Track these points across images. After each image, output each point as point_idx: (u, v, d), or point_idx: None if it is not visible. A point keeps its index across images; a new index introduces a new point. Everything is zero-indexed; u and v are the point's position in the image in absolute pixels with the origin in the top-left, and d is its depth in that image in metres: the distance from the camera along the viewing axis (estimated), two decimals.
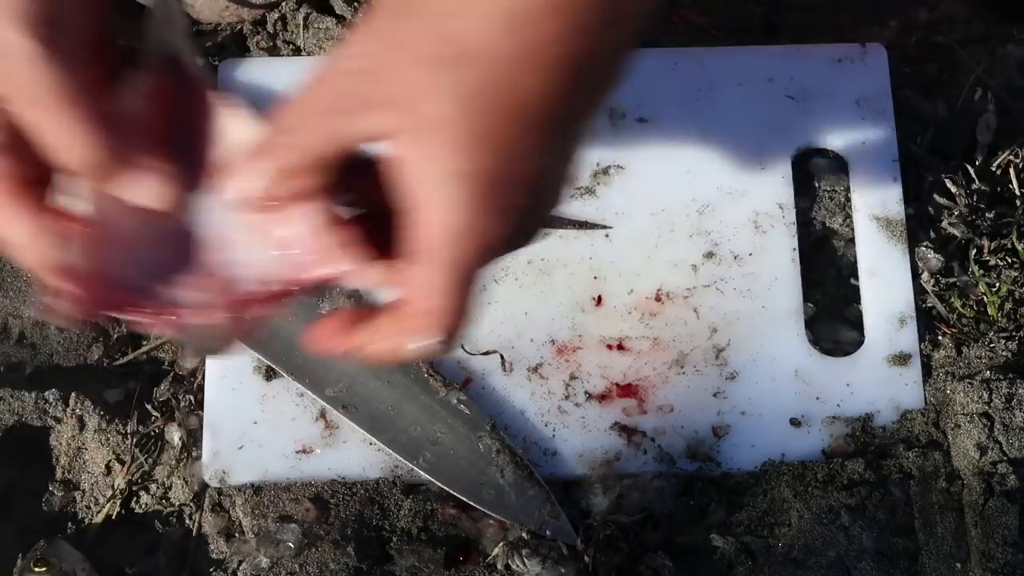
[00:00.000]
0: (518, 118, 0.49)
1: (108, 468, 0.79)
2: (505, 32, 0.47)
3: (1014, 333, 0.81)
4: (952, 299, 0.83)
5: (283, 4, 0.91)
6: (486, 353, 0.80)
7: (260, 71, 0.87)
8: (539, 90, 0.48)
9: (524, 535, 0.75)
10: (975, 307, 0.83)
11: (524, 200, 0.50)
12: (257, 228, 0.55)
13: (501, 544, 0.75)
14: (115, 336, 0.83)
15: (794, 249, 0.83)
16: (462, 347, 0.80)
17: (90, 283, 0.54)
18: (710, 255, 0.82)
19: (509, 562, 0.75)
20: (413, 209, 0.50)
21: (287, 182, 0.53)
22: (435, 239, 0.50)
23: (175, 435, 0.80)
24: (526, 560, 0.74)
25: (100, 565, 0.77)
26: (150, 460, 0.80)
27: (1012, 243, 0.84)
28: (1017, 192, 0.86)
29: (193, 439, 0.80)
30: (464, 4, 0.48)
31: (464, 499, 0.76)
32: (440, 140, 0.49)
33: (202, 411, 0.80)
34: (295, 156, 0.52)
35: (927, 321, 0.82)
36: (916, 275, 0.83)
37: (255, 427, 0.79)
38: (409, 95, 0.48)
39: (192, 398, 0.81)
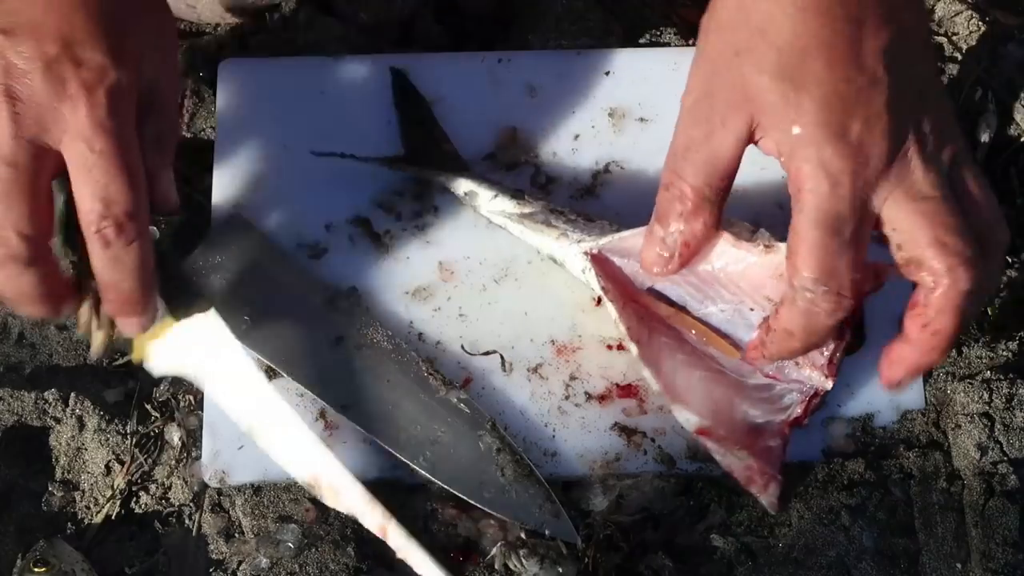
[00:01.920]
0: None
1: (108, 468, 0.79)
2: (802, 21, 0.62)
3: (1014, 333, 0.81)
4: None
5: (283, 4, 0.91)
6: (486, 353, 0.80)
7: (260, 71, 0.87)
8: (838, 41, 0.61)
9: (522, 535, 0.75)
10: None
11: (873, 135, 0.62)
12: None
13: (499, 544, 0.75)
14: (114, 336, 0.83)
15: None
16: (462, 347, 0.80)
17: None
18: None
19: (507, 562, 0.74)
20: (798, 162, 0.63)
21: (694, 221, 0.68)
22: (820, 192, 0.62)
23: (175, 435, 0.80)
24: (524, 560, 0.74)
25: (100, 565, 0.77)
26: (150, 460, 0.80)
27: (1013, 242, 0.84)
28: (1017, 191, 0.86)
29: (193, 439, 0.80)
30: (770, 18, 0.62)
31: (464, 498, 0.76)
32: (786, 112, 0.62)
33: (202, 411, 0.79)
34: (691, 198, 0.67)
35: None
36: None
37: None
38: (753, 99, 0.63)
39: (192, 398, 0.81)
